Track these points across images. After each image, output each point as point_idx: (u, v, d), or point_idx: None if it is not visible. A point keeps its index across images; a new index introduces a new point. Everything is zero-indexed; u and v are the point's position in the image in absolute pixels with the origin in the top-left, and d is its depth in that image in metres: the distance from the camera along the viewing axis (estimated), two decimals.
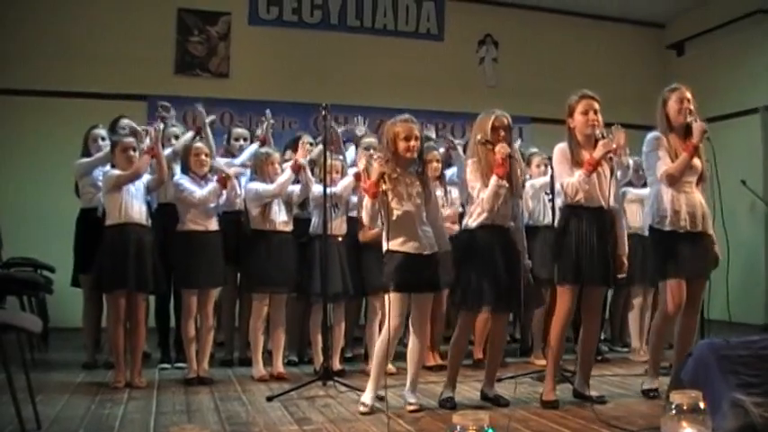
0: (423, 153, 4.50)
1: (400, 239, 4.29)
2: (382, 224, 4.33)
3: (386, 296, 4.32)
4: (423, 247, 4.31)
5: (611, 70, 9.76)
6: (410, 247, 4.28)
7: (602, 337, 6.74)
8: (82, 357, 5.81)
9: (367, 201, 4.31)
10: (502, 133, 4.42)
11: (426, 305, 4.45)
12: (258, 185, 5.36)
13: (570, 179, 4.41)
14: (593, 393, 4.55)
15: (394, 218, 4.28)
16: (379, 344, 4.39)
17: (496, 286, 4.36)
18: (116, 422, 4.00)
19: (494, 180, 4.30)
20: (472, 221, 4.46)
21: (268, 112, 6.23)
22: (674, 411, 2.03)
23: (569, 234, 4.44)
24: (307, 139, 6.12)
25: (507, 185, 4.32)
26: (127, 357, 5.07)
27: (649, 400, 4.55)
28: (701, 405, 2.04)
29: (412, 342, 4.44)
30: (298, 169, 5.30)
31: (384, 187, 4.23)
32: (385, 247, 4.31)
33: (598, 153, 4.34)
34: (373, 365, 4.41)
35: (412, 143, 4.31)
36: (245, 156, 5.97)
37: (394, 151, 4.33)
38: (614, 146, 4.39)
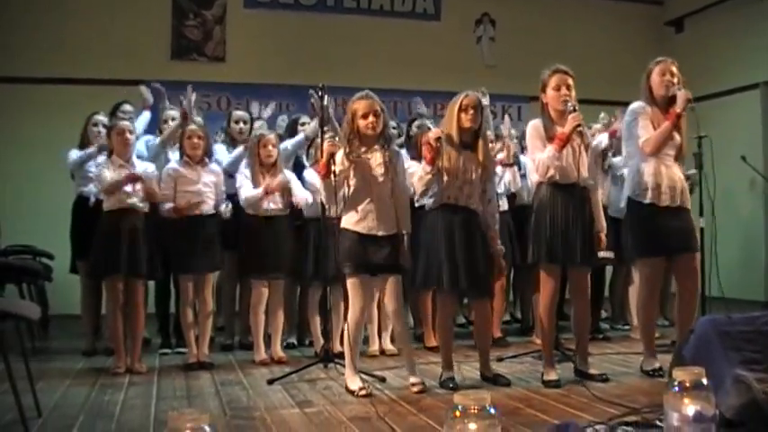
0: (387, 128, 4.44)
1: (354, 218, 4.28)
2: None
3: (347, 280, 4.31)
4: (377, 227, 4.28)
5: (609, 48, 9.71)
6: (364, 227, 4.26)
7: (603, 316, 6.74)
8: (82, 344, 5.80)
9: (320, 182, 4.31)
10: (471, 112, 4.38)
11: (394, 287, 4.37)
12: (245, 191, 5.33)
13: (541, 155, 4.35)
14: (595, 372, 4.54)
15: (349, 195, 4.29)
16: (347, 331, 4.34)
17: (451, 267, 4.31)
18: (116, 408, 3.99)
19: (422, 164, 4.32)
20: (430, 203, 4.46)
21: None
22: (676, 389, 2.01)
23: (543, 212, 4.39)
24: (304, 118, 6.09)
25: (433, 171, 4.30)
26: (127, 343, 5.06)
27: (651, 378, 4.53)
28: (704, 382, 2.02)
29: (393, 326, 4.45)
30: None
31: (334, 168, 4.23)
32: (341, 225, 4.32)
33: (568, 127, 4.27)
34: (346, 353, 4.38)
35: (370, 119, 4.27)
36: (229, 159, 5.80)
37: (356, 129, 4.31)
38: (582, 119, 4.31)
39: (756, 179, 8.43)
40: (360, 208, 4.29)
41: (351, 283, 4.29)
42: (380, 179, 4.32)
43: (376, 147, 4.36)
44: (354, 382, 4.27)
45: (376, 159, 4.34)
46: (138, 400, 4.19)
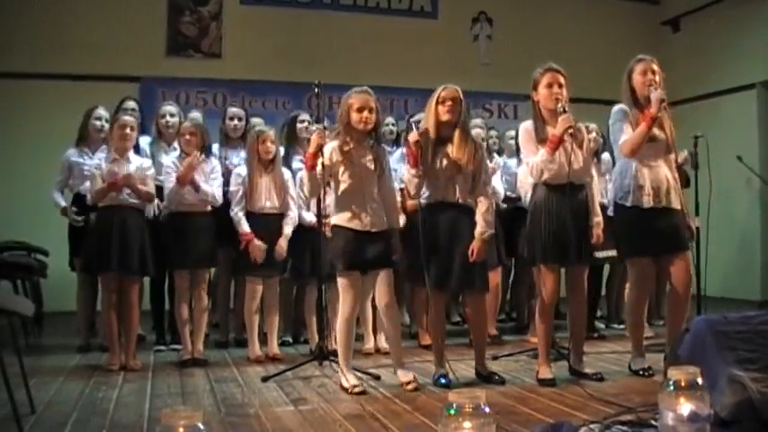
0: (379, 126, 4.45)
1: (347, 215, 4.27)
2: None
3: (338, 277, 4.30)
4: (370, 223, 4.27)
5: (605, 47, 9.68)
6: (357, 224, 4.25)
7: (599, 315, 6.74)
8: (76, 341, 5.78)
9: (304, 173, 4.28)
10: (449, 104, 4.34)
11: (385, 282, 4.35)
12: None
13: (534, 159, 4.34)
14: (590, 371, 4.54)
15: (340, 192, 4.27)
16: (338, 328, 4.35)
17: (439, 264, 4.31)
18: (110, 405, 3.98)
19: (407, 168, 4.31)
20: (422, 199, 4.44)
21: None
22: (671, 387, 2.01)
23: (539, 214, 4.38)
24: (304, 115, 6.08)
25: (417, 172, 4.27)
26: (121, 340, 5.04)
27: (641, 377, 4.53)
28: (699, 381, 2.02)
29: (384, 322, 4.44)
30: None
31: (322, 160, 4.20)
32: (332, 222, 4.31)
33: (559, 129, 4.24)
34: (339, 351, 4.38)
35: (365, 114, 4.27)
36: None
37: (347, 123, 4.30)
38: (573, 121, 4.26)
39: (752, 179, 8.44)
40: (353, 205, 4.28)
41: (342, 281, 4.28)
42: (372, 176, 4.32)
43: (365, 143, 4.36)
44: (348, 380, 4.27)
45: (367, 155, 4.33)
46: (132, 397, 4.18)
